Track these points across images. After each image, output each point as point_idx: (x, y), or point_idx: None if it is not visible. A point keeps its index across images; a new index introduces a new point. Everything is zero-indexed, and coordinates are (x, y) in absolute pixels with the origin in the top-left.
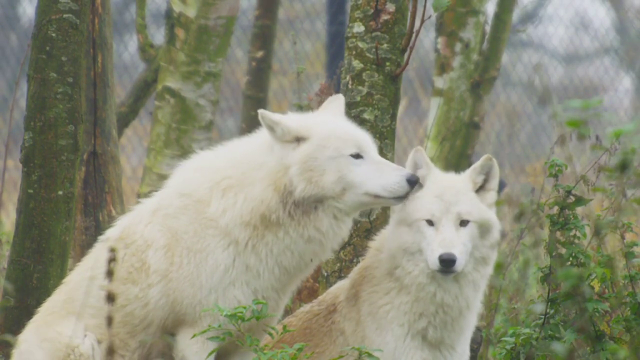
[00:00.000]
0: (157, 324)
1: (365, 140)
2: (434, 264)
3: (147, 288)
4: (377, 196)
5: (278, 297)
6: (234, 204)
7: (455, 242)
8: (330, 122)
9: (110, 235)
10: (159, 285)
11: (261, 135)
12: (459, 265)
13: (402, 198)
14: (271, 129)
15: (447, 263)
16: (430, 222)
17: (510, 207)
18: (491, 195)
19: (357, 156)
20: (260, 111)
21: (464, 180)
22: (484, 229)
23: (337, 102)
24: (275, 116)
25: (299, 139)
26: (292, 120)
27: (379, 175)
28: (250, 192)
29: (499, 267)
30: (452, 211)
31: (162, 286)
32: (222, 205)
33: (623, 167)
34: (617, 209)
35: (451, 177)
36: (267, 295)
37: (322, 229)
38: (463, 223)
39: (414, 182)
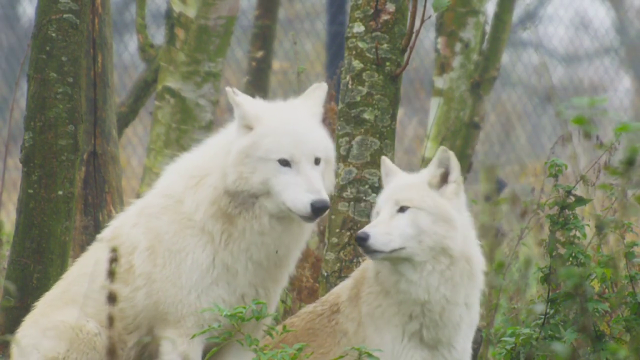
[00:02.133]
0: (146, 325)
1: (301, 147)
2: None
3: (135, 290)
4: (289, 209)
5: (256, 294)
6: (204, 197)
7: (389, 227)
8: (278, 119)
9: (103, 236)
10: (144, 288)
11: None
12: (374, 243)
13: (308, 219)
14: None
15: (360, 240)
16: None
17: (513, 206)
18: (451, 187)
19: (285, 163)
20: (227, 89)
21: (420, 175)
22: (436, 217)
23: (318, 92)
24: (239, 97)
25: (249, 127)
26: (252, 107)
27: (293, 189)
28: (210, 180)
29: (499, 267)
30: (391, 199)
31: (147, 288)
32: (195, 200)
33: (629, 163)
34: (619, 207)
35: (407, 175)
36: (245, 292)
37: (266, 225)
38: (402, 209)
39: (318, 210)
